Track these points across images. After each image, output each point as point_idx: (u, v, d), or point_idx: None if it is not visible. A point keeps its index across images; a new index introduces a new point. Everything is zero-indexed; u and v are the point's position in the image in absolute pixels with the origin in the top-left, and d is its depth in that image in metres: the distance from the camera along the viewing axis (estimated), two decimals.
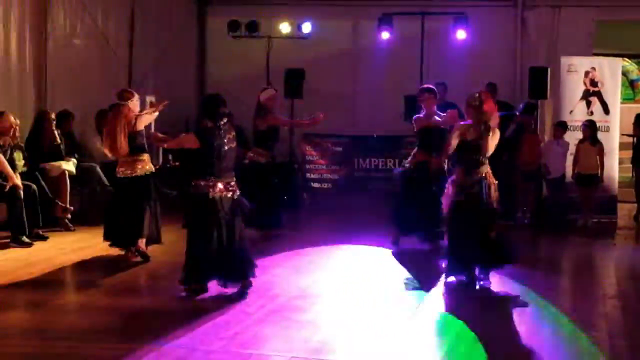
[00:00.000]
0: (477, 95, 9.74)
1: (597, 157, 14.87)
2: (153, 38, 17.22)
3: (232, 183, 9.42)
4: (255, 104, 13.00)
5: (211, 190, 9.25)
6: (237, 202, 9.44)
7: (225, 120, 9.44)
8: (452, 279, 9.91)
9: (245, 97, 16.87)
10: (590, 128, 14.94)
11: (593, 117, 15.36)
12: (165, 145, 10.49)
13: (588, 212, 14.85)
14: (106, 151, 11.41)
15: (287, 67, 16.88)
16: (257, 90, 15.82)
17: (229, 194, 9.36)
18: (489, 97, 9.80)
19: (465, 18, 17.00)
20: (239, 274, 9.38)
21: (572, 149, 15.14)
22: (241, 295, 9.25)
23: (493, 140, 9.69)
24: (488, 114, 9.62)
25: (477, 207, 9.65)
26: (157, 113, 11.15)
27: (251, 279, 9.44)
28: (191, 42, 19.11)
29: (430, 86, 11.96)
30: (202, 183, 9.28)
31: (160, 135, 11.07)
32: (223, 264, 9.30)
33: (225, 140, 9.37)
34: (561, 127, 15.25)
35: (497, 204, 9.79)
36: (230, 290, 9.32)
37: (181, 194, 10.22)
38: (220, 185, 9.29)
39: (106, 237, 11.31)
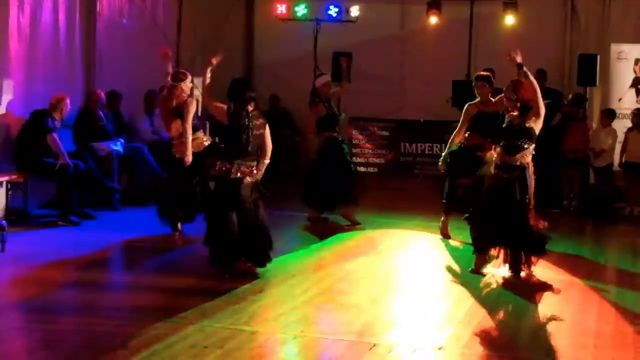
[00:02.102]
0: (510, 85, 9.73)
1: None
2: (201, 20, 17.24)
3: (254, 168, 9.49)
4: (308, 89, 13.03)
5: (232, 172, 9.34)
6: (258, 186, 9.53)
7: (252, 105, 9.49)
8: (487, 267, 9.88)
9: (293, 80, 16.97)
10: (639, 116, 14.78)
11: None
12: (207, 97, 10.23)
13: (635, 200, 14.71)
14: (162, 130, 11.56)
15: (334, 50, 16.85)
16: (304, 73, 15.87)
17: (250, 178, 9.43)
18: (520, 83, 9.70)
19: (514, 3, 16.88)
20: (261, 256, 9.50)
21: (620, 137, 14.99)
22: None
23: (537, 124, 9.59)
24: (524, 99, 9.56)
25: (512, 196, 9.56)
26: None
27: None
28: (239, 25, 19.09)
29: (487, 74, 11.79)
30: (225, 165, 9.39)
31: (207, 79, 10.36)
32: (245, 246, 9.41)
33: (252, 125, 9.43)
34: (609, 114, 15.12)
35: (534, 198, 9.67)
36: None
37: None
38: (242, 168, 9.37)
39: (161, 214, 11.44)
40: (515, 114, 9.60)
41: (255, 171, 9.47)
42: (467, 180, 10.70)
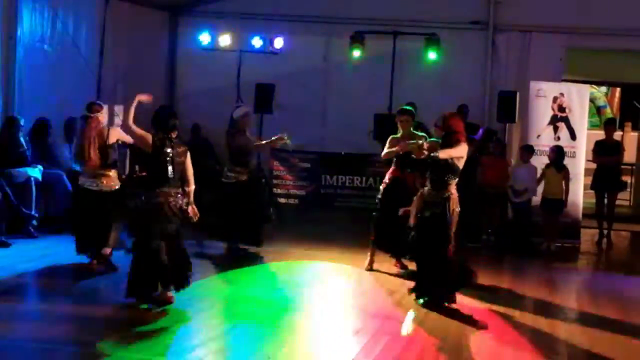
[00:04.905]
0: (441, 116, 9.92)
1: (563, 182, 14.94)
2: (124, 48, 17.11)
3: (179, 193, 9.50)
4: (228, 120, 12.96)
5: (159, 199, 9.30)
6: (183, 212, 9.52)
7: (175, 132, 9.49)
8: (420, 300, 9.95)
9: (215, 110, 16.91)
10: (556, 153, 15.00)
11: (560, 143, 15.43)
12: (129, 123, 9.96)
13: (552, 236, 14.92)
14: (77, 163, 11.40)
15: (257, 81, 16.87)
16: (227, 104, 15.83)
17: (176, 204, 9.42)
18: (450, 117, 9.91)
19: (436, 39, 17.07)
20: (183, 281, 9.46)
21: (538, 173, 15.19)
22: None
23: (457, 153, 9.76)
24: (451, 130, 9.78)
25: (439, 228, 9.74)
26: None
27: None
28: (162, 54, 18.99)
29: (410, 108, 11.94)
30: (151, 193, 9.35)
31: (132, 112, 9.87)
32: (168, 271, 9.34)
33: (175, 152, 9.42)
34: (528, 150, 15.31)
35: (456, 228, 9.87)
36: None
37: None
38: (167, 196, 9.35)
39: (78, 243, 11.27)
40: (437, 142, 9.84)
41: (180, 197, 9.43)
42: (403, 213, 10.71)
